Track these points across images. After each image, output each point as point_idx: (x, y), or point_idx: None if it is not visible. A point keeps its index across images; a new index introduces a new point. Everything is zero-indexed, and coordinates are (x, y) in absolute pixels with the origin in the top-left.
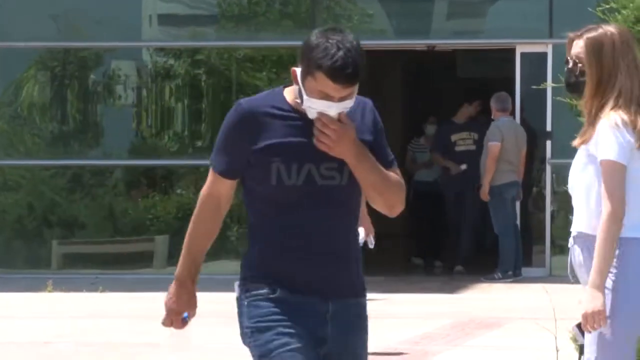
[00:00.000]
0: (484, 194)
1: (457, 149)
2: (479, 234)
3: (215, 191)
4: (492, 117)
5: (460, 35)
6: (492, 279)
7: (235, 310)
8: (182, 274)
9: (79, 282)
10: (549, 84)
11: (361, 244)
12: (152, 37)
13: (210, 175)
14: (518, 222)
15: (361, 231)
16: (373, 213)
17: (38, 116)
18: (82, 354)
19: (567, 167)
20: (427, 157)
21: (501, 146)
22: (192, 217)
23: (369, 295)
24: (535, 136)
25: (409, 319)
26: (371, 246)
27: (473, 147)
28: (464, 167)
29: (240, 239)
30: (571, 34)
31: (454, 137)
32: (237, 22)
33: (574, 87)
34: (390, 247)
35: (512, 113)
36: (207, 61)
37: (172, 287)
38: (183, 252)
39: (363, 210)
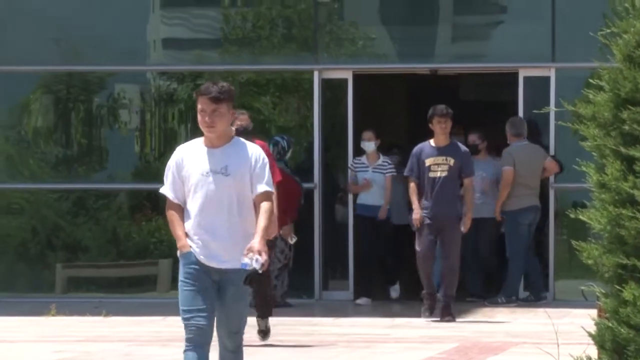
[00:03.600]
0: (497, 214)
1: (431, 175)
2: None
3: None
4: (508, 142)
5: (463, 59)
6: (495, 303)
7: None
8: None
9: (82, 305)
10: (552, 108)
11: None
12: (156, 61)
13: None
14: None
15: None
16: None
17: (42, 140)
18: None
19: (570, 191)
20: (370, 176)
21: (515, 171)
22: None
23: (372, 320)
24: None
25: (412, 342)
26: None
27: (445, 174)
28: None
29: None
30: None
31: (428, 162)
32: (240, 45)
33: None
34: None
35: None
36: None
37: None
38: None
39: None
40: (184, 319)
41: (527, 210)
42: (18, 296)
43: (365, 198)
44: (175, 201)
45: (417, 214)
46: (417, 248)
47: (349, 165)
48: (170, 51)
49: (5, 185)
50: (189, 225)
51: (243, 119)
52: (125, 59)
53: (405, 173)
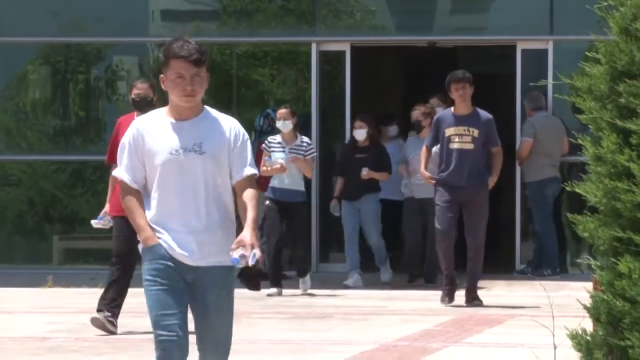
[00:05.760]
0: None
1: (451, 146)
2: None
3: None
4: (527, 116)
5: (462, 32)
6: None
7: None
8: None
9: (79, 277)
10: (550, 81)
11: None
12: (154, 32)
13: None
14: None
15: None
16: None
17: (40, 111)
18: (81, 349)
19: (567, 163)
20: (285, 157)
21: (536, 141)
22: None
23: (368, 292)
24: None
25: (409, 315)
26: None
27: (471, 146)
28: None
29: None
30: None
31: (448, 132)
32: (238, 18)
33: None
34: None
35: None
36: (209, 57)
37: None
38: None
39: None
40: (155, 326)
41: (550, 181)
42: (15, 267)
43: (280, 181)
44: (134, 186)
45: (427, 175)
46: (438, 226)
47: (263, 145)
48: (169, 23)
49: (3, 156)
50: (152, 215)
51: (141, 87)
52: (123, 31)
53: (426, 143)
